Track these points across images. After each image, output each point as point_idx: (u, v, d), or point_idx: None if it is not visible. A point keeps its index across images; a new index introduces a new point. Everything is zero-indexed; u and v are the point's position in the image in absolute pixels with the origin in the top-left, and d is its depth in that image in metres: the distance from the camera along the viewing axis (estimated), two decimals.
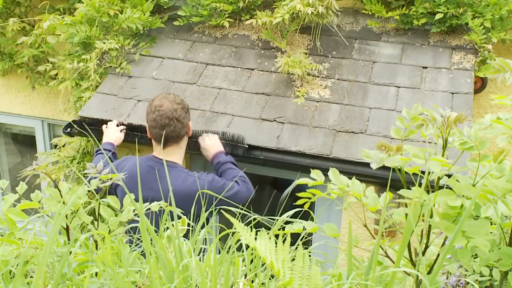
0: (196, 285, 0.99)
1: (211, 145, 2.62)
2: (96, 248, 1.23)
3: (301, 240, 1.17)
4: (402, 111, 0.98)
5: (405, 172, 1.02)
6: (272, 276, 1.07)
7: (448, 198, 0.86)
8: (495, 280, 1.20)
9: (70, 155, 3.41)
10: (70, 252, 1.09)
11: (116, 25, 3.38)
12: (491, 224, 0.94)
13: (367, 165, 3.16)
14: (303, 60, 3.12)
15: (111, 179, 1.25)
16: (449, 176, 0.97)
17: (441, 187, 1.00)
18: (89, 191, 1.24)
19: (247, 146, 2.77)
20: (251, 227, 0.99)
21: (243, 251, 1.13)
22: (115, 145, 2.73)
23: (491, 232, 0.92)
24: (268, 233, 0.96)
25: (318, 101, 3.06)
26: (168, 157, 2.31)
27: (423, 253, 0.99)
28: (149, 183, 2.28)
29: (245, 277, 1.09)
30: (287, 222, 1.22)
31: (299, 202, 1.23)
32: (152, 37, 3.60)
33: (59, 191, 1.23)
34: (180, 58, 3.46)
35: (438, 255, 0.97)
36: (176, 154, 2.38)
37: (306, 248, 1.20)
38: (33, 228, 1.22)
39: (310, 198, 1.19)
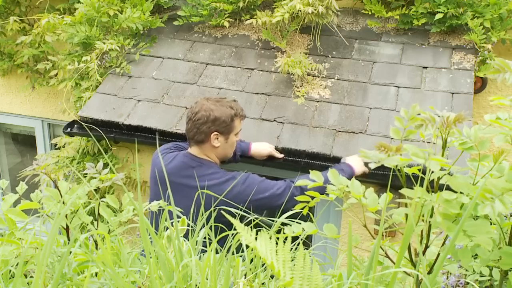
0: (196, 285, 0.99)
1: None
2: (96, 248, 1.23)
3: (301, 240, 1.17)
4: (401, 111, 0.98)
5: (405, 172, 1.02)
6: (272, 276, 1.07)
7: (448, 194, 0.87)
8: (495, 280, 1.20)
9: (70, 155, 3.41)
10: (70, 252, 1.09)
11: (116, 25, 3.38)
12: (491, 224, 0.94)
13: (366, 165, 3.13)
14: (303, 60, 3.11)
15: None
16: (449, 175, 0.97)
17: (440, 187, 1.00)
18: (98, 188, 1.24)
19: None
20: (251, 227, 0.99)
21: (243, 251, 1.13)
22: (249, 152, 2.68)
23: (490, 231, 0.92)
24: (268, 233, 0.96)
25: (318, 101, 3.06)
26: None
27: (423, 253, 0.99)
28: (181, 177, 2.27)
29: (245, 277, 1.09)
30: (286, 223, 1.22)
31: (297, 207, 1.23)
32: (152, 37, 3.60)
33: (59, 191, 1.23)
34: (180, 58, 3.47)
35: (438, 255, 0.97)
36: (201, 155, 2.28)
37: (306, 249, 1.20)
38: (33, 228, 1.22)
39: (308, 202, 1.19)
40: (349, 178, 2.41)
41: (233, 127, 2.25)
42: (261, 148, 2.70)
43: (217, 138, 2.22)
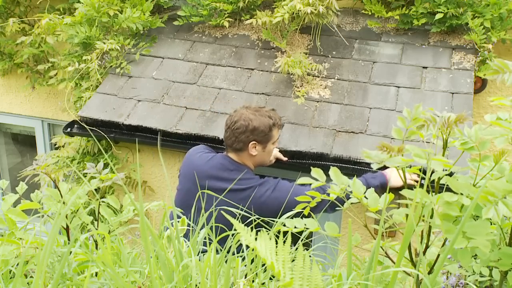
0: (196, 285, 0.99)
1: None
2: (96, 248, 1.23)
3: (301, 240, 1.17)
4: (403, 111, 0.98)
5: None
6: (273, 276, 1.07)
7: (449, 196, 0.87)
8: (495, 280, 1.20)
9: (70, 155, 3.41)
10: (70, 252, 1.09)
11: (116, 25, 3.38)
12: (491, 224, 0.94)
13: (367, 165, 3.12)
14: (303, 60, 3.11)
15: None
16: (450, 176, 0.97)
17: (441, 187, 1.00)
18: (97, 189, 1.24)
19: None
20: (251, 227, 0.99)
21: (243, 251, 1.13)
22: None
23: (491, 232, 0.92)
24: (268, 233, 0.96)
25: (318, 101, 3.06)
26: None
27: (424, 253, 0.99)
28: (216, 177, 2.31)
29: (246, 277, 1.09)
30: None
31: (298, 208, 1.23)
32: (152, 37, 3.60)
33: (59, 191, 1.23)
34: (180, 58, 3.46)
35: (439, 255, 0.97)
36: (239, 161, 2.33)
37: (307, 249, 1.20)
38: (33, 228, 1.22)
39: (309, 202, 1.19)
40: (381, 186, 2.45)
41: (271, 137, 2.30)
42: None
43: (255, 147, 2.27)
